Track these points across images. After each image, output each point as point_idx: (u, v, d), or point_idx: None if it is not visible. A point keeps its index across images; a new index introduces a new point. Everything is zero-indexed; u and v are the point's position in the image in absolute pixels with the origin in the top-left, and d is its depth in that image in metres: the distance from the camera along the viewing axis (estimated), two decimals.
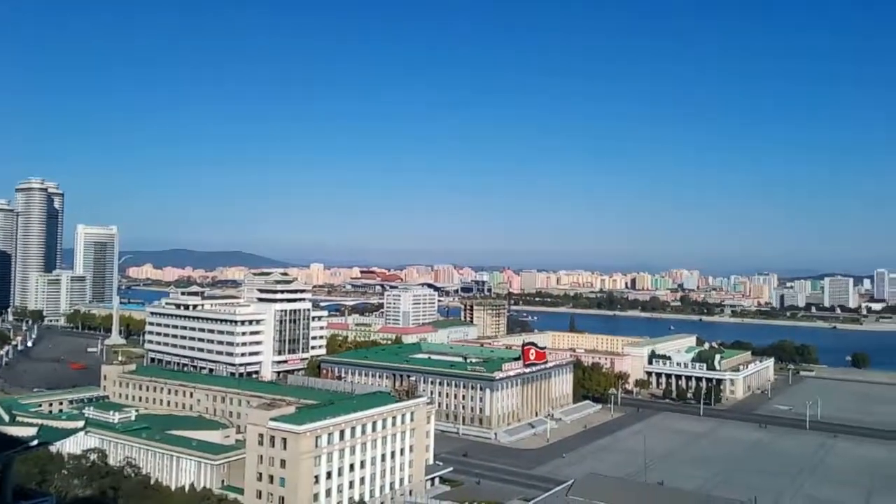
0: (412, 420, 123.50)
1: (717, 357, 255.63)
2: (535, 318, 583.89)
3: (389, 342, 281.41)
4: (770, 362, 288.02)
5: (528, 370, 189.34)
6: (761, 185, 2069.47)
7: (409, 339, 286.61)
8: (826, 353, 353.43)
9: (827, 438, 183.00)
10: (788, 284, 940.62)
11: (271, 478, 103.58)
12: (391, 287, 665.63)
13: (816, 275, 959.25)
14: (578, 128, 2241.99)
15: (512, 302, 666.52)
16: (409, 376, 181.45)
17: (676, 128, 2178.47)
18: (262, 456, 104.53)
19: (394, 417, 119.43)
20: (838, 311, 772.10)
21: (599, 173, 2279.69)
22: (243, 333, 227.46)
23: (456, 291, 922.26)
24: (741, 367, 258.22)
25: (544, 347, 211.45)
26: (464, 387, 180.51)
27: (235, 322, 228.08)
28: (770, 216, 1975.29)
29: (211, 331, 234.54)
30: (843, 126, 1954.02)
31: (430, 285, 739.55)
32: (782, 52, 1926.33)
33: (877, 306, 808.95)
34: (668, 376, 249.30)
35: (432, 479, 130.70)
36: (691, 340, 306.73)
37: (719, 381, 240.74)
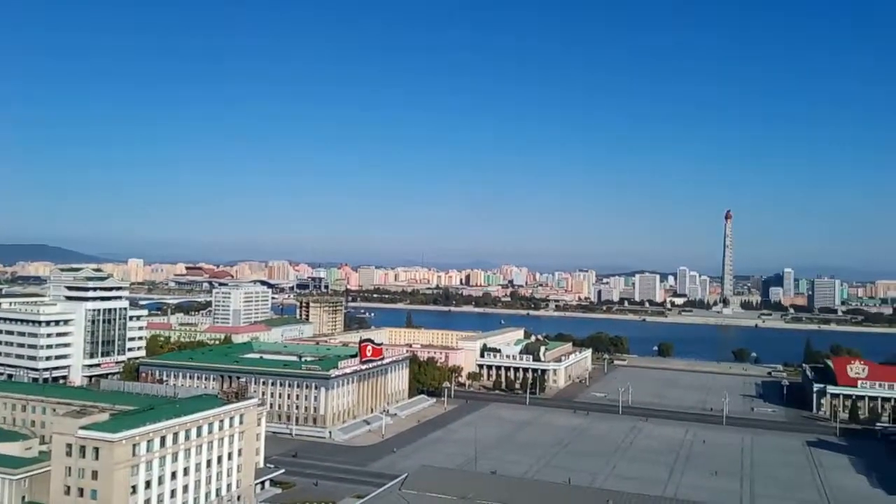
0: (241, 423, 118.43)
1: (542, 349, 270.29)
2: (373, 314, 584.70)
3: (218, 342, 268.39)
4: (588, 353, 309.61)
5: (364, 367, 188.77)
6: (581, 185, 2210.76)
7: (239, 339, 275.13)
8: (636, 344, 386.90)
9: (637, 422, 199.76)
10: (605, 280, 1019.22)
11: (81, 491, 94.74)
12: (220, 284, 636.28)
13: (629, 272, 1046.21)
14: (415, 125, 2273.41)
15: (349, 299, 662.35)
16: (238, 378, 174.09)
17: (505, 127, 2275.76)
18: (70, 468, 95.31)
19: (221, 421, 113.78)
20: (647, 304, 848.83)
21: (435, 172, 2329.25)
22: (48, 335, 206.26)
23: (291, 288, 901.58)
24: (563, 358, 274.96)
25: (381, 343, 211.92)
26: (298, 386, 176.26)
27: (39, 323, 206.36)
28: (590, 216, 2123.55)
29: (10, 332, 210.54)
30: (641, 131, 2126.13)
31: (263, 282, 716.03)
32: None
33: (679, 300, 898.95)
34: (499, 368, 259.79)
35: (262, 482, 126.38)
36: (520, 333, 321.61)
37: (544, 372, 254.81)
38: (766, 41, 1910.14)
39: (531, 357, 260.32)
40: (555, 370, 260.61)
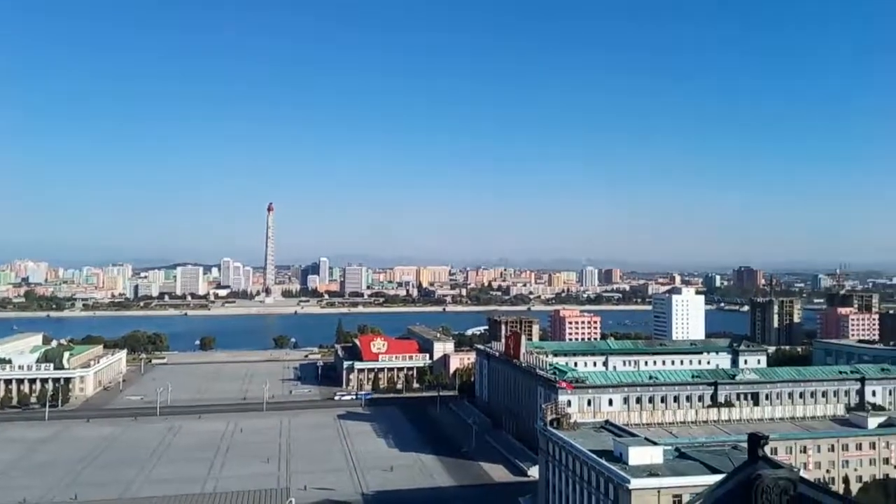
0: None
1: (66, 354, 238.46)
2: None
3: None
4: (122, 354, 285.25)
5: None
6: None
7: None
8: (178, 340, 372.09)
9: (175, 421, 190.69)
10: (143, 274, 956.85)
11: None
12: None
13: (170, 265, 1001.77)
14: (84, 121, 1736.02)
15: None
16: None
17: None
18: None
19: None
20: (189, 298, 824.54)
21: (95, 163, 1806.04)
22: None
23: None
24: (92, 363, 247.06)
25: None
26: None
27: None
28: (120, 206, 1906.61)
29: None
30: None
31: None
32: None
33: (223, 292, 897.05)
34: (8, 382, 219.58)
35: None
36: (37, 339, 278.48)
37: (68, 380, 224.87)
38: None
39: (52, 365, 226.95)
40: (82, 377, 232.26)
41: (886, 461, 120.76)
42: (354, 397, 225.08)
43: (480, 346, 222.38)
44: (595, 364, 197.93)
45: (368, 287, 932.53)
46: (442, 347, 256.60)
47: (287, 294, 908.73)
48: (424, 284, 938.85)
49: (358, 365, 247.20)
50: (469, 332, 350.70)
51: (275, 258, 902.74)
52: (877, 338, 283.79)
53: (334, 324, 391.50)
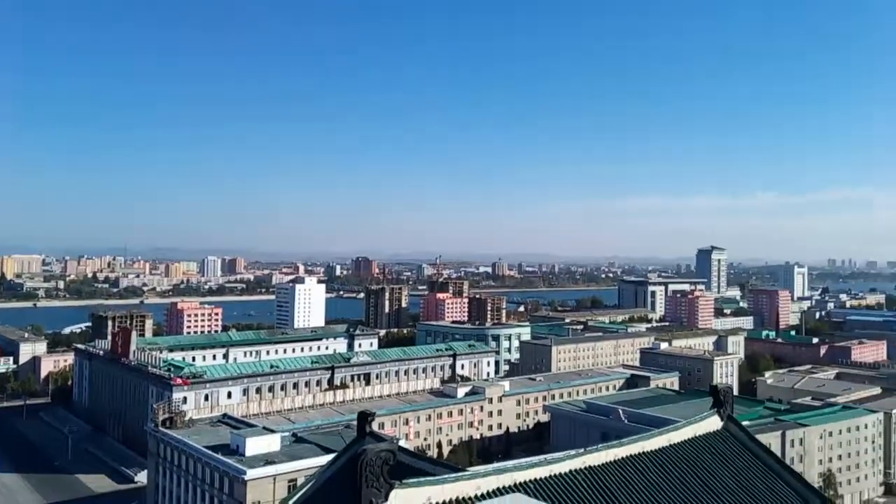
0: None
1: None
2: None
3: None
4: None
5: None
6: None
7: None
8: None
9: None
10: None
11: None
12: None
13: None
14: None
15: None
16: None
17: None
18: None
19: None
20: None
21: None
22: None
23: None
24: None
25: None
26: None
27: None
28: None
29: None
30: None
31: None
32: None
33: None
34: None
35: None
36: None
37: None
38: None
39: None
40: None
41: (471, 424, 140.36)
42: None
43: (81, 346, 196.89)
44: (215, 357, 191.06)
45: None
46: (31, 349, 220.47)
47: None
48: (9, 276, 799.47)
49: None
50: (67, 331, 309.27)
51: None
52: (466, 318, 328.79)
53: None
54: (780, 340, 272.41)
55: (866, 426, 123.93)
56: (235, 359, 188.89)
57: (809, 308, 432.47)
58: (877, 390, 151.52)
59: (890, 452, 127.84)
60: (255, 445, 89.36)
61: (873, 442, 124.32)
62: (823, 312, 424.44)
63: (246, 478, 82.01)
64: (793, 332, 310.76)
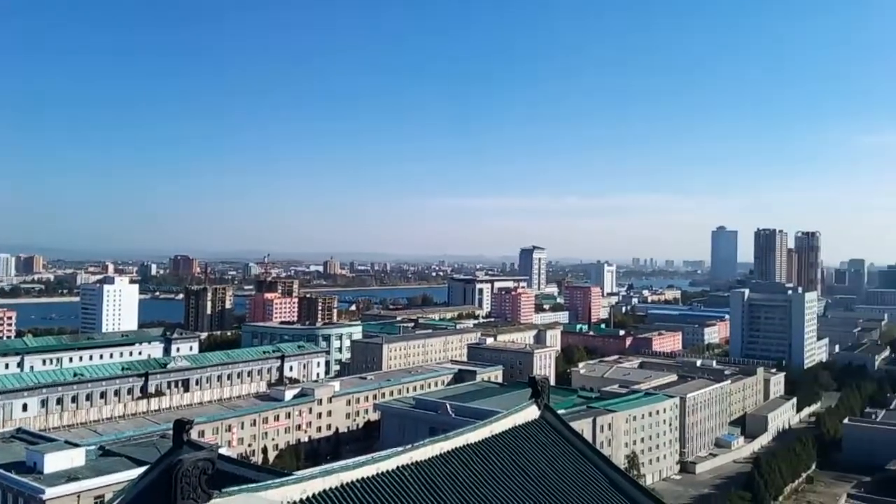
0: None
1: None
2: None
3: None
4: None
5: None
6: None
7: None
8: None
9: None
10: None
11: None
12: None
13: None
14: None
15: None
16: None
17: None
18: None
19: None
20: None
21: None
22: None
23: None
24: None
25: None
26: None
27: None
28: None
29: None
30: None
31: None
32: None
33: None
34: None
35: None
36: None
37: None
38: None
39: None
40: None
41: (299, 427, 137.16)
42: None
43: None
44: (7, 366, 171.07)
45: None
46: None
47: None
48: None
49: None
50: None
51: None
52: (296, 318, 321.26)
53: None
54: (591, 333, 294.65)
55: (665, 410, 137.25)
56: (32, 367, 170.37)
57: (617, 303, 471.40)
58: (673, 377, 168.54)
59: (684, 433, 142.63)
60: (56, 461, 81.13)
61: (670, 424, 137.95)
62: (629, 307, 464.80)
63: (45, 497, 74.35)
64: (603, 326, 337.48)
